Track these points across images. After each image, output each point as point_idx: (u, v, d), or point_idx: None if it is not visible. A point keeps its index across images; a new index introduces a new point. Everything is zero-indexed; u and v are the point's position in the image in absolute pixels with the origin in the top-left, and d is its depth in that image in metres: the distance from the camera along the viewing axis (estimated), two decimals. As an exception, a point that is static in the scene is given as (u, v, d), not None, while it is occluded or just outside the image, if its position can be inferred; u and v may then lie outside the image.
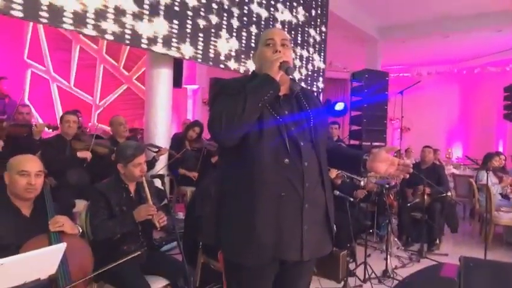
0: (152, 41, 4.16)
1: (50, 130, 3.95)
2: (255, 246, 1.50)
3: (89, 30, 3.60)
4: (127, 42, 4.00)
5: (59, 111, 7.44)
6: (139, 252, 2.03)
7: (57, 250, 1.42)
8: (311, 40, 6.82)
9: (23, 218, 2.06)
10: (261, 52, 1.67)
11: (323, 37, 7.09)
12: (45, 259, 1.39)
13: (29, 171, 2.03)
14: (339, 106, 8.41)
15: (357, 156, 1.67)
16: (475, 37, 9.25)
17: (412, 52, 11.01)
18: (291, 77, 1.65)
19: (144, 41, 4.08)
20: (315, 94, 5.09)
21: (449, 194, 5.00)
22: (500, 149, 10.04)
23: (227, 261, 1.65)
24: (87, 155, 3.75)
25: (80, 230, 2.16)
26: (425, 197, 4.67)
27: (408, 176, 1.60)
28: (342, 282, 3.54)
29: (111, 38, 3.81)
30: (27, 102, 5.38)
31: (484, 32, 8.81)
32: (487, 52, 10.82)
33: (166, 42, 4.30)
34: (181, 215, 5.13)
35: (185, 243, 3.23)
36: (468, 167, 9.12)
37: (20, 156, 2.11)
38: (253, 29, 5.52)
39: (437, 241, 4.97)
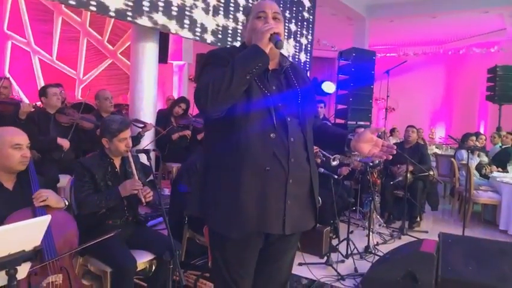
0: (138, 13, 4.07)
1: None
2: (239, 218, 1.51)
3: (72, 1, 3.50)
4: (112, 14, 3.90)
5: (41, 85, 7.25)
6: (118, 230, 2.04)
7: (42, 222, 1.41)
8: (299, 16, 6.76)
9: (6, 191, 2.03)
10: (251, 24, 1.64)
11: (311, 13, 7.03)
12: (29, 231, 1.38)
13: (21, 144, 2.03)
14: (329, 88, 8.23)
15: (342, 135, 1.68)
16: (462, 18, 9.29)
17: (399, 32, 11.03)
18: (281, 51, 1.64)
19: (129, 13, 3.99)
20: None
21: (431, 172, 5.10)
22: (482, 130, 10.24)
23: (212, 234, 1.67)
24: (65, 143, 3.62)
25: (67, 203, 2.15)
26: (408, 175, 4.76)
27: (391, 157, 1.60)
28: (325, 258, 3.62)
29: (94, 9, 3.72)
30: (7, 75, 5.24)
31: (471, 13, 8.84)
32: (473, 33, 10.90)
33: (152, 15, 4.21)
34: (166, 191, 5.13)
35: (171, 218, 3.26)
36: (450, 146, 9.31)
37: (7, 130, 2.07)
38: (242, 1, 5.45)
39: (418, 219, 5.10)
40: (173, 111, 5.20)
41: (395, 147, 1.59)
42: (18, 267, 1.34)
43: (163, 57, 6.06)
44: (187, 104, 5.30)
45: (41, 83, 7.32)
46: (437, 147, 9.39)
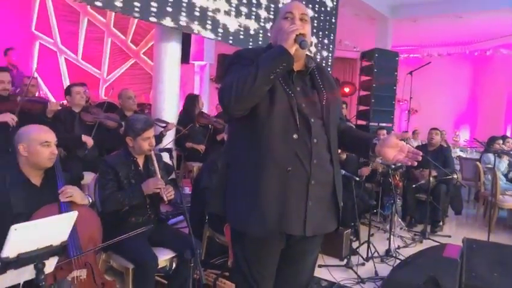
0: (161, 14, 4.12)
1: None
2: (259, 216, 1.51)
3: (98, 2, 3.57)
4: (136, 15, 3.97)
5: (66, 84, 7.42)
6: (150, 226, 2.08)
7: (70, 218, 1.45)
8: (321, 16, 6.72)
9: (34, 187, 2.09)
10: (278, 24, 1.63)
11: (333, 13, 6.98)
12: (57, 226, 1.42)
13: (50, 142, 2.09)
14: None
15: (367, 139, 1.65)
16: (489, 18, 9.05)
17: (423, 32, 10.80)
18: (307, 53, 1.62)
19: (153, 14, 4.04)
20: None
21: (455, 176, 4.99)
22: (508, 133, 9.95)
23: (233, 232, 1.69)
24: (89, 141, 3.70)
25: (91, 200, 2.19)
26: (431, 178, 4.67)
27: (416, 163, 1.55)
28: (345, 260, 3.60)
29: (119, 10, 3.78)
30: (35, 74, 5.38)
31: (499, 13, 8.60)
32: (500, 34, 10.59)
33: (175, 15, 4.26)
34: (187, 190, 5.18)
35: (192, 217, 3.29)
36: (475, 150, 9.08)
37: (36, 128, 2.13)
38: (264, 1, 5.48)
39: (441, 223, 5.00)
40: (198, 105, 5.29)
41: (421, 153, 1.54)
42: (45, 262, 1.38)
43: (184, 57, 6.12)
44: None
45: (66, 82, 7.49)
46: (461, 150, 9.18)
